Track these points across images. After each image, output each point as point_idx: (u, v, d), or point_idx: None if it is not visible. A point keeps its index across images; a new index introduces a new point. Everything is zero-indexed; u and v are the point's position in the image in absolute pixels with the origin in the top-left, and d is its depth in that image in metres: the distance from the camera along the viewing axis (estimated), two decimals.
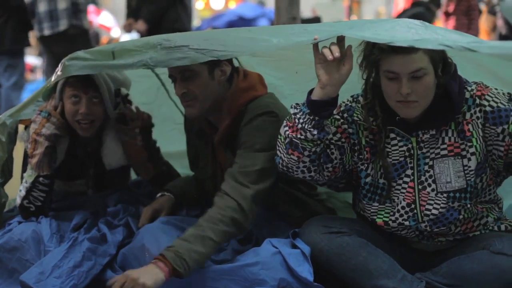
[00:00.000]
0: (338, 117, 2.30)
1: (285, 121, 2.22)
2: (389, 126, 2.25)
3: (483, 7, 9.42)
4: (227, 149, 2.52)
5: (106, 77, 2.63)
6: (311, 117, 2.15)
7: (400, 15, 8.52)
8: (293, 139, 2.18)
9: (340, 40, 2.10)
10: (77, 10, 5.24)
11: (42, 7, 5.15)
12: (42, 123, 2.57)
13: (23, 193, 2.56)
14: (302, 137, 2.17)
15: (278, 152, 2.26)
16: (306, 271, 2.17)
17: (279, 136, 2.25)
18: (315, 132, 2.16)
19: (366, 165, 2.30)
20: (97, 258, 2.38)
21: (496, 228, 2.31)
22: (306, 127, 2.15)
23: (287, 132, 2.19)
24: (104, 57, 2.29)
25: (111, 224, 2.61)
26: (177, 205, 2.70)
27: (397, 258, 2.25)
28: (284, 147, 2.21)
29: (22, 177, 2.67)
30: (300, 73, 2.72)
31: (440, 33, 2.06)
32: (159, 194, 2.72)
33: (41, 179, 2.55)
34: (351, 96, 2.35)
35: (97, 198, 2.82)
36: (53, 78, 2.44)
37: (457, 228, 2.29)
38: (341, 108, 2.31)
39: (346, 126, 2.29)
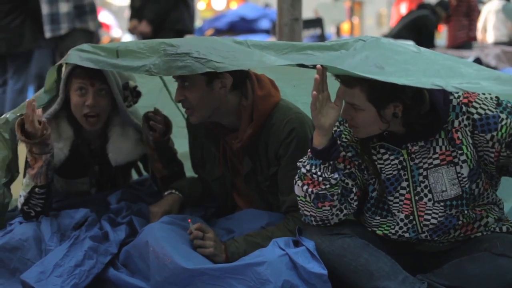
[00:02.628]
0: None
1: (299, 182, 2.25)
2: (378, 142, 2.26)
3: (482, 8, 9.43)
4: (245, 155, 2.56)
5: (113, 71, 2.62)
6: (326, 165, 2.20)
7: (406, 17, 8.50)
8: (319, 192, 2.21)
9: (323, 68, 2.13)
10: (81, 13, 5.23)
11: (45, 10, 5.15)
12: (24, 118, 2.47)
13: (22, 200, 2.55)
14: (328, 186, 2.21)
15: (305, 212, 2.29)
16: (317, 267, 2.19)
17: (298, 198, 2.28)
18: (336, 175, 2.22)
19: (373, 179, 2.31)
20: (99, 257, 2.37)
21: (497, 229, 2.31)
22: (326, 176, 2.20)
23: (310, 190, 2.22)
24: (108, 55, 2.31)
25: (114, 222, 2.61)
26: (182, 205, 2.71)
27: (398, 260, 2.24)
28: (312, 204, 2.24)
29: (24, 174, 2.66)
30: (297, 88, 2.74)
31: (432, 59, 2.12)
32: (167, 192, 2.73)
33: (37, 189, 2.52)
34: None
35: (98, 196, 2.81)
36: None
37: (457, 231, 2.29)
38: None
39: (344, 152, 2.31)
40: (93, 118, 2.62)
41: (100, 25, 5.74)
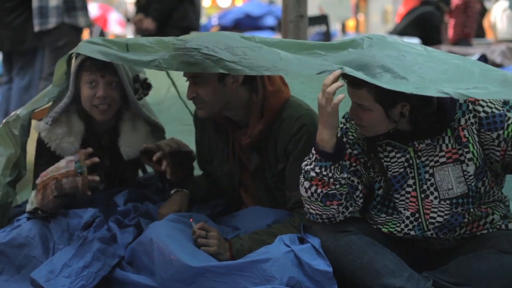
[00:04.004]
0: None
1: (306, 184, 2.23)
2: (384, 140, 2.26)
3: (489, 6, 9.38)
4: (254, 151, 2.55)
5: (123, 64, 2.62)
6: (336, 165, 2.20)
7: (410, 14, 8.47)
8: (329, 192, 2.21)
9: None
10: (71, 8, 5.19)
11: (34, 3, 5.11)
12: (69, 173, 2.47)
13: (29, 207, 2.53)
14: (337, 185, 2.21)
15: (311, 211, 2.28)
16: (323, 264, 2.19)
17: (303, 199, 2.27)
18: (345, 174, 2.22)
19: (379, 177, 2.32)
20: (106, 259, 2.38)
21: (503, 226, 2.31)
22: (337, 176, 2.20)
23: (319, 190, 2.22)
24: (119, 48, 2.32)
25: (121, 224, 2.61)
26: (190, 202, 2.72)
27: (404, 257, 2.24)
28: (320, 202, 2.24)
29: (35, 173, 2.64)
30: (305, 84, 2.75)
31: (441, 58, 2.11)
32: (173, 190, 2.73)
33: (39, 212, 2.50)
34: (343, 117, 2.37)
35: (106, 195, 2.82)
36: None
37: (463, 228, 2.29)
38: (338, 134, 2.31)
39: (350, 150, 2.31)
40: (103, 107, 2.62)
41: (91, 22, 5.65)
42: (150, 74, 2.87)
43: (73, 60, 2.61)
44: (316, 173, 2.21)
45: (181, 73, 2.46)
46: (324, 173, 2.20)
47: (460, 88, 1.93)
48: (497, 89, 1.95)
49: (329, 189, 2.21)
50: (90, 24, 5.55)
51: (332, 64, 2.10)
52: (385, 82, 1.99)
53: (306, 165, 2.24)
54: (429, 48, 2.19)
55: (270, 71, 2.16)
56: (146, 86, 2.75)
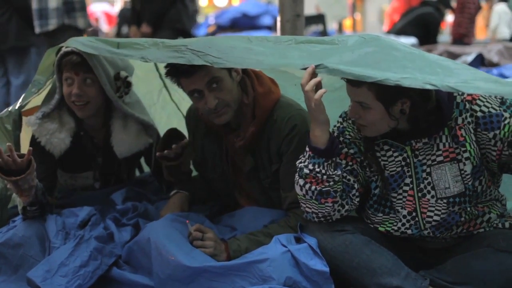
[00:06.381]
0: None
1: (300, 181, 2.24)
2: (382, 139, 2.26)
3: (483, 4, 9.38)
4: (247, 153, 2.55)
5: (104, 61, 2.61)
6: (329, 162, 2.20)
7: (409, 13, 8.47)
8: (323, 189, 2.21)
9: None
10: (71, 9, 5.20)
11: (34, 5, 5.13)
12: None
13: (20, 209, 2.52)
14: (331, 182, 2.21)
15: (307, 209, 2.28)
16: (319, 264, 2.19)
17: (299, 197, 2.27)
18: (339, 172, 2.22)
19: (376, 177, 2.32)
20: (103, 258, 2.38)
21: (500, 225, 2.31)
22: (330, 173, 2.20)
23: (313, 187, 2.22)
24: (109, 45, 2.35)
25: (119, 222, 2.61)
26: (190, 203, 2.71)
27: (401, 256, 2.24)
28: (315, 200, 2.24)
29: None
30: (298, 86, 2.75)
31: (431, 59, 2.11)
32: (173, 192, 2.72)
33: (28, 208, 2.49)
34: (340, 117, 2.37)
35: (103, 194, 2.81)
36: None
37: (459, 227, 2.29)
38: (335, 134, 2.32)
39: (346, 149, 2.31)
40: (80, 104, 2.62)
41: (89, 23, 5.69)
42: (143, 77, 2.88)
43: None
44: (309, 170, 2.21)
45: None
46: (317, 169, 2.20)
47: (449, 82, 1.93)
48: (486, 85, 1.95)
49: (323, 186, 2.21)
50: (89, 25, 5.59)
51: (314, 58, 2.11)
52: (371, 73, 1.99)
53: (300, 162, 2.24)
54: (422, 51, 2.20)
55: (253, 66, 2.21)
56: (126, 84, 2.72)
